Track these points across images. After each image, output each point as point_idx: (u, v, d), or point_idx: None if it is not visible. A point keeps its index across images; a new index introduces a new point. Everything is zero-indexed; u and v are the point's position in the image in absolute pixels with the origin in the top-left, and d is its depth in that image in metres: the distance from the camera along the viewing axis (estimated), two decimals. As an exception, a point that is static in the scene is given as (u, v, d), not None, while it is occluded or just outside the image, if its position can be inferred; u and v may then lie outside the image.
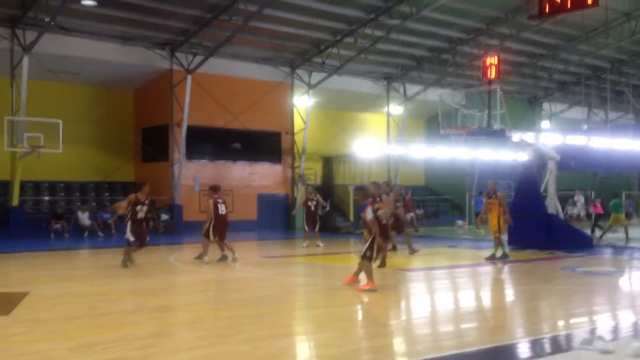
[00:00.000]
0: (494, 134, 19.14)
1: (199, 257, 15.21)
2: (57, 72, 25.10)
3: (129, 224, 14.01)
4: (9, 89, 23.60)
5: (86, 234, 24.72)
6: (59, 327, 7.77)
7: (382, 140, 33.87)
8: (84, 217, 25.09)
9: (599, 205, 26.66)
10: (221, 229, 14.95)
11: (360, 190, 11.37)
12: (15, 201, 24.01)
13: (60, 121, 22.75)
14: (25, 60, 22.89)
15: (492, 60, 19.33)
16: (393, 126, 34.57)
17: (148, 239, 14.44)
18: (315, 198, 19.53)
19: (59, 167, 26.39)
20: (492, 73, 19.06)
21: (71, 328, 7.73)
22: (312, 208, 19.40)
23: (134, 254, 14.23)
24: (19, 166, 23.63)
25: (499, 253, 15.46)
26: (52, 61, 24.27)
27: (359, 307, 9.89)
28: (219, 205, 14.99)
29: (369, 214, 10.63)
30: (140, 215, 14.09)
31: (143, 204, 14.21)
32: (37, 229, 24.12)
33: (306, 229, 19.69)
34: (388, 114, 34.48)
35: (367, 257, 10.62)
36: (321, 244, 19.34)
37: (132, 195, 14.39)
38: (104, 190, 28.80)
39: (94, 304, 9.50)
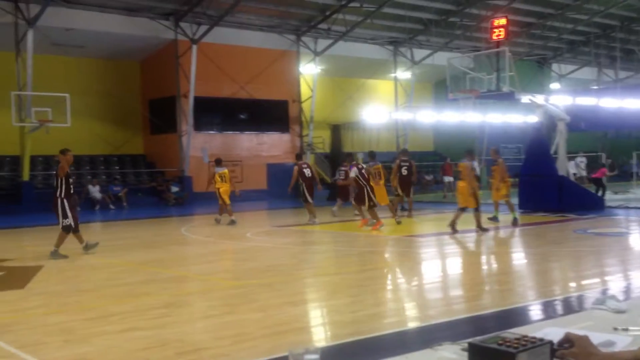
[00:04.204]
0: (503, 97, 18.97)
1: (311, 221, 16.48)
2: (62, 45, 24.99)
3: (66, 203, 11.33)
4: (14, 63, 23.52)
5: (97, 207, 24.89)
6: (75, 299, 7.86)
7: (390, 106, 33.67)
8: (95, 191, 25.23)
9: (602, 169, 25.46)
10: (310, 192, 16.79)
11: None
12: (26, 176, 24.13)
13: (67, 95, 22.71)
14: (30, 34, 22.78)
15: (500, 21, 19.09)
16: (401, 92, 34.32)
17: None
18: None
19: (68, 141, 26.18)
20: (500, 35, 18.83)
21: (86, 300, 7.82)
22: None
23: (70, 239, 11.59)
24: (28, 141, 23.69)
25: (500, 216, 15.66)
26: (57, 34, 24.12)
27: (370, 273, 9.95)
28: (304, 170, 16.75)
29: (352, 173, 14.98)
30: (72, 190, 11.68)
31: (70, 175, 11.77)
32: (49, 203, 24.16)
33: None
34: (396, 80, 34.21)
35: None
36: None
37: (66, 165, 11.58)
38: (113, 164, 28.89)
39: (107, 275, 9.60)
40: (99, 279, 9.36)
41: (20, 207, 23.15)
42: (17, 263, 10.83)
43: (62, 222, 11.24)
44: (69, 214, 11.21)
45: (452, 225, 13.69)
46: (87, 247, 11.64)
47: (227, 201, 17.23)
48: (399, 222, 15.85)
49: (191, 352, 5.29)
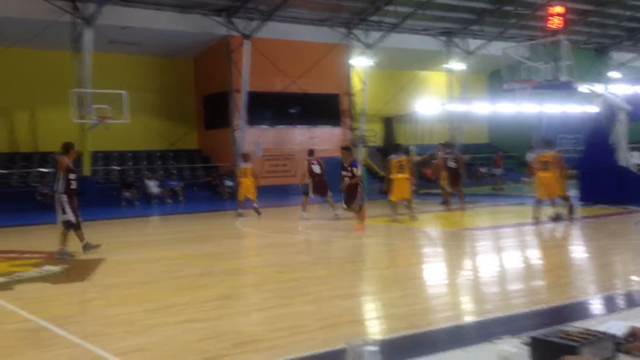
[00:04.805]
0: (561, 87, 18.51)
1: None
2: (118, 43, 25.60)
3: (65, 198, 11.04)
4: (73, 61, 24.24)
5: (155, 201, 25.44)
6: (134, 291, 8.06)
7: (443, 98, 33.25)
8: (153, 185, 25.80)
9: None
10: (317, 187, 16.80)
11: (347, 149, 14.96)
12: (87, 171, 24.86)
13: (125, 92, 23.27)
14: (88, 33, 23.42)
15: (556, 9, 18.63)
16: (454, 83, 33.85)
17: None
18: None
19: (126, 137, 27.12)
20: (557, 23, 18.36)
21: (145, 292, 8.01)
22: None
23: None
24: (88, 137, 24.39)
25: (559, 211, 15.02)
26: (114, 32, 24.71)
27: (423, 266, 9.87)
28: (312, 166, 16.75)
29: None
30: (74, 186, 11.28)
31: (74, 171, 11.32)
32: (109, 197, 24.95)
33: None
34: (449, 71, 33.75)
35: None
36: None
37: (66, 160, 11.11)
38: (170, 159, 29.49)
39: (165, 268, 9.81)
40: (157, 271, 9.57)
41: (81, 201, 23.73)
42: (78, 256, 11.15)
43: (61, 217, 11.00)
44: (68, 210, 10.94)
45: (536, 218, 13.56)
46: (86, 247, 11.27)
47: (241, 197, 18.18)
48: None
49: (247, 344, 5.35)
